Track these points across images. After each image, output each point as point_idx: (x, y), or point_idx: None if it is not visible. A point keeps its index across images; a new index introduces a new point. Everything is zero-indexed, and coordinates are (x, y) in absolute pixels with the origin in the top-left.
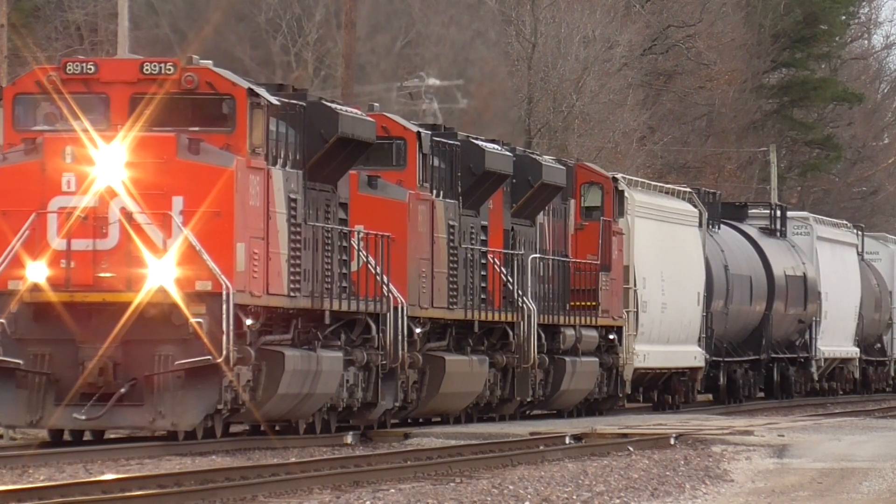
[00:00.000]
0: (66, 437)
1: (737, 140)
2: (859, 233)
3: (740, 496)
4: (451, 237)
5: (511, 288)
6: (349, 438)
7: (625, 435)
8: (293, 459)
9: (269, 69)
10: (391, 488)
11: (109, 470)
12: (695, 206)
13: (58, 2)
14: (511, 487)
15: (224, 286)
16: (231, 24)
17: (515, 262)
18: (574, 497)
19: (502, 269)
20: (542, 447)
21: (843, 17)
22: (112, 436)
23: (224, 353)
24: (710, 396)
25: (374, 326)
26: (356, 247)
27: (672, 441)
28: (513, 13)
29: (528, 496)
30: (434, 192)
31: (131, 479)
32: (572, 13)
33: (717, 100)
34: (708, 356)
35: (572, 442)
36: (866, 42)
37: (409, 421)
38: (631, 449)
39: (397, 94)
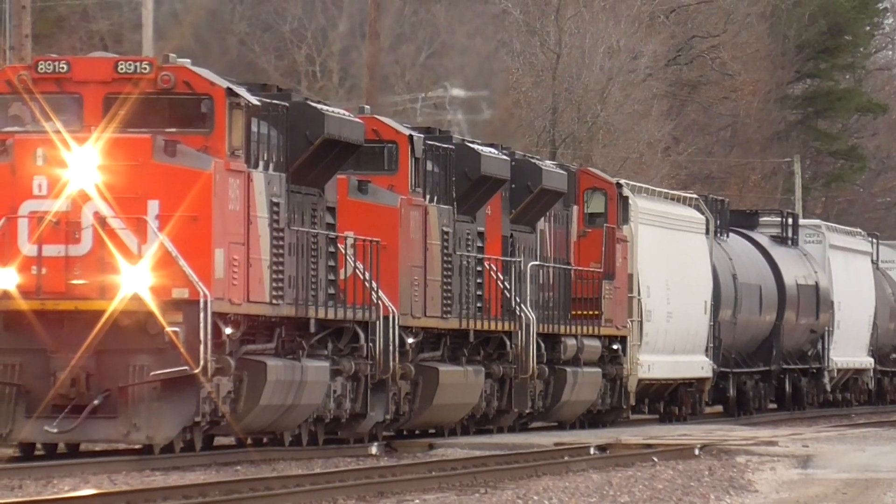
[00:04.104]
0: (39, 450)
1: (761, 151)
2: (874, 241)
3: None
4: (446, 244)
5: (509, 296)
6: (373, 449)
7: (649, 445)
8: (318, 470)
9: (293, 79)
10: (416, 499)
11: (134, 481)
12: (702, 213)
13: (82, 12)
14: (536, 498)
15: (201, 294)
16: (256, 34)
17: (514, 269)
18: None
19: (500, 276)
20: (566, 458)
21: (868, 28)
22: (98, 448)
23: (201, 363)
24: (721, 408)
25: (362, 335)
26: (345, 253)
27: (696, 452)
28: (537, 24)
29: None
30: (427, 197)
31: (156, 490)
32: (597, 24)
33: (741, 110)
34: (716, 367)
35: (597, 452)
36: (890, 53)
37: (403, 433)
38: (655, 459)
39: (422, 105)
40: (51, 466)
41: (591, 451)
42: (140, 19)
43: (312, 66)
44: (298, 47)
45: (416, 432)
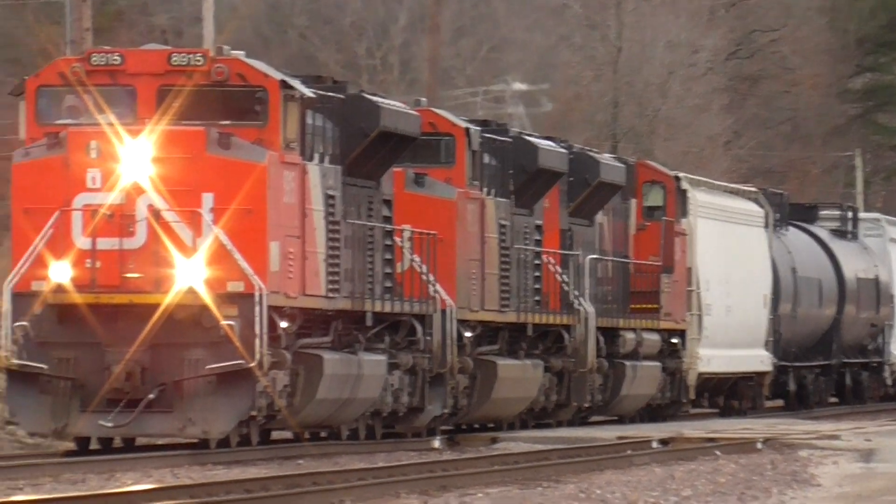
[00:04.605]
0: (94, 445)
1: (821, 145)
2: None
3: (827, 500)
4: (503, 237)
5: (567, 290)
6: (436, 443)
7: (712, 439)
8: (380, 464)
9: (354, 72)
10: (479, 492)
11: (196, 475)
12: (761, 207)
13: (142, 6)
14: (598, 492)
15: (256, 287)
16: (316, 27)
17: (572, 262)
18: (661, 501)
19: (558, 269)
20: (629, 451)
21: None
22: (160, 443)
23: (257, 357)
24: (781, 402)
25: (419, 329)
26: (402, 246)
27: (759, 445)
28: (597, 17)
29: (616, 500)
30: (484, 190)
31: (219, 484)
32: (657, 17)
33: (801, 104)
34: (775, 360)
35: (659, 446)
36: None
37: (462, 427)
38: (718, 453)
39: (482, 99)
40: (113, 461)
41: (654, 444)
42: (200, 13)
43: (373, 59)
44: (359, 41)
45: (475, 426)
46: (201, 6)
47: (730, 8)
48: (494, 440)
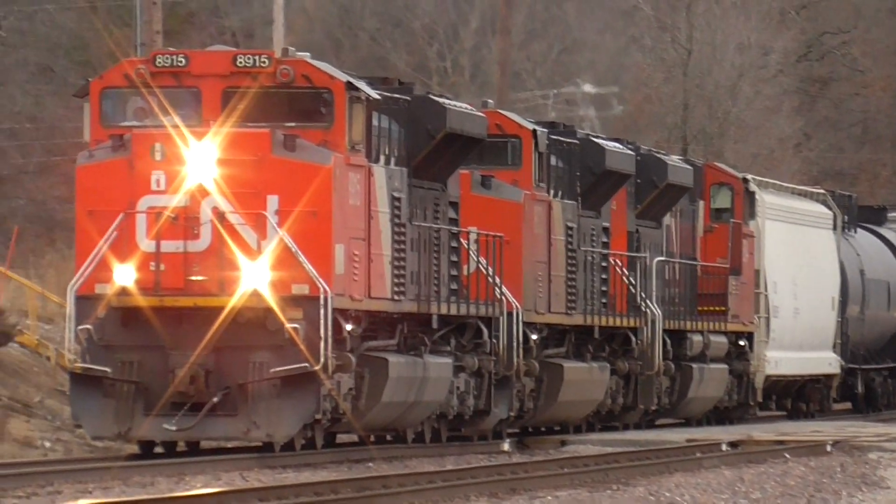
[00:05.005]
0: (158, 448)
1: (892, 147)
2: None
3: None
4: (570, 239)
5: (634, 292)
6: (506, 446)
7: (781, 442)
8: (450, 466)
9: (425, 75)
10: (548, 495)
11: (266, 478)
12: (829, 209)
13: (213, 8)
14: (668, 494)
15: (322, 290)
16: (387, 29)
17: (639, 265)
18: None
19: (625, 272)
20: (698, 454)
21: None
22: (229, 446)
23: (322, 360)
24: (849, 405)
25: (485, 331)
26: (468, 248)
27: (828, 448)
28: (668, 20)
29: (685, 503)
30: (551, 192)
31: (288, 487)
32: (727, 20)
33: (872, 106)
34: (843, 363)
35: (728, 449)
36: None
37: (529, 430)
38: (787, 456)
39: (553, 101)
40: (182, 464)
41: (723, 447)
42: (271, 15)
43: (443, 62)
44: (429, 44)
45: (542, 429)
46: (272, 8)
47: (800, 10)
48: (563, 443)
